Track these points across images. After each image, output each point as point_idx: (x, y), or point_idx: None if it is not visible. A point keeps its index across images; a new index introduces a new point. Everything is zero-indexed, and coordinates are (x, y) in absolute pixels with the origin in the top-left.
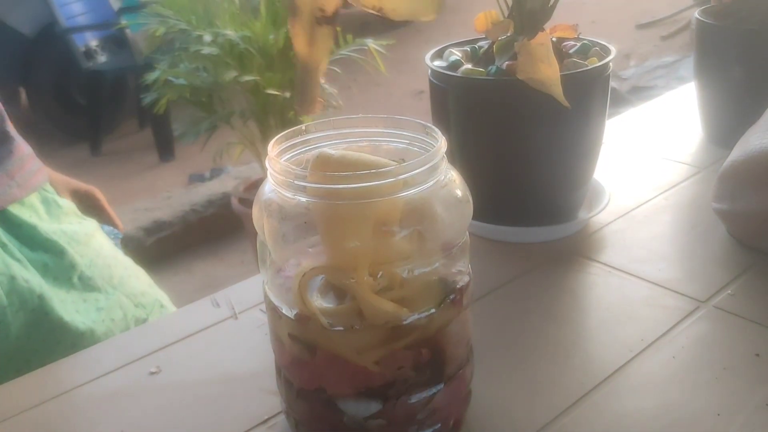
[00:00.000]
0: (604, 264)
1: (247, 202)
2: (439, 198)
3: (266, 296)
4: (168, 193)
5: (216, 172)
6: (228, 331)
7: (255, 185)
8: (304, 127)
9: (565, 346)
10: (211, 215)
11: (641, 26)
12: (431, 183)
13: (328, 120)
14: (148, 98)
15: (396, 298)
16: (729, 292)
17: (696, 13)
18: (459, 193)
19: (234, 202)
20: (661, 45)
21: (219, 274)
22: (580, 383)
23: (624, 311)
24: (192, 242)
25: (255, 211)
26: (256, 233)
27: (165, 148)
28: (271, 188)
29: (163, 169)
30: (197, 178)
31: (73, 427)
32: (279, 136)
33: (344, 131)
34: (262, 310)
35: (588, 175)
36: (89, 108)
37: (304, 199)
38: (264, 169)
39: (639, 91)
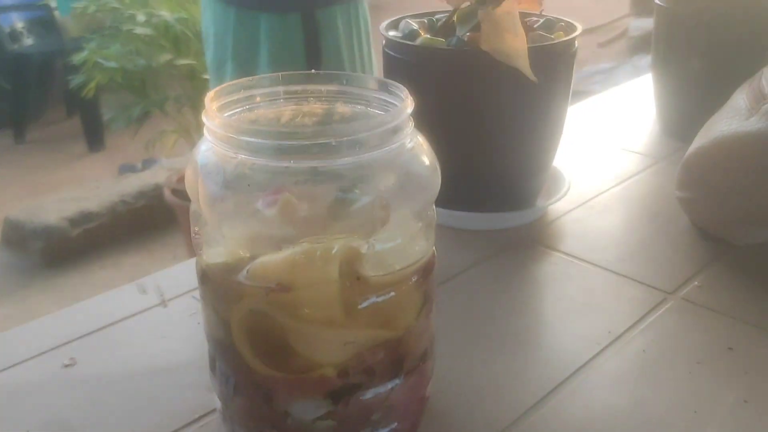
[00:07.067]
0: (565, 253)
1: (181, 194)
2: (403, 163)
3: (199, 272)
4: (96, 183)
5: (148, 164)
6: (155, 319)
7: None
8: (248, 81)
9: (527, 338)
10: (141, 207)
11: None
12: (395, 145)
13: (277, 75)
14: (75, 80)
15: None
16: (696, 283)
17: (656, 0)
18: (426, 160)
19: (167, 193)
20: (599, 52)
21: (149, 268)
22: (547, 378)
23: (588, 302)
24: (121, 235)
25: (188, 174)
26: (189, 226)
27: (94, 137)
28: (208, 146)
29: (91, 159)
30: (128, 169)
31: None
32: (218, 88)
33: (295, 88)
34: (194, 297)
35: (550, 158)
36: (14, 93)
37: (247, 157)
38: None
39: (577, 95)
